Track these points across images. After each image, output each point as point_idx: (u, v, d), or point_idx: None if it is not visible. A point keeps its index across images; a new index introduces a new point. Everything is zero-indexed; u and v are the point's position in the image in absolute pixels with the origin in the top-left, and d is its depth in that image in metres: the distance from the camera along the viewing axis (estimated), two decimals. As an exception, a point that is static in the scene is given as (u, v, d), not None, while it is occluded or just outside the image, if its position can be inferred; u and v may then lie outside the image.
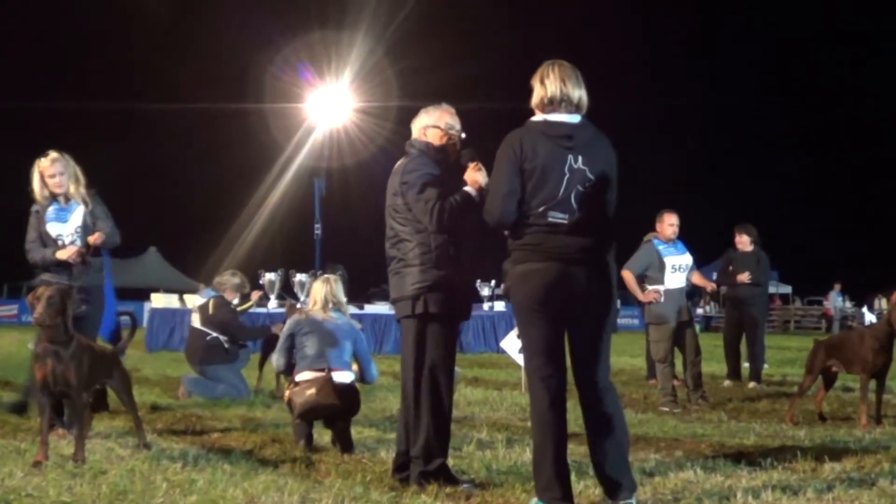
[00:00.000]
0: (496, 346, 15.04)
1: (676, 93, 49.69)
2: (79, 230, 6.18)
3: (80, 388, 5.01)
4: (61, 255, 6.08)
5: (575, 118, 4.01)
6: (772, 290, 33.41)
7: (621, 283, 7.70)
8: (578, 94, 4.02)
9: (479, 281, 16.35)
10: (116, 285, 9.58)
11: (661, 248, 8.14)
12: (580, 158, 3.92)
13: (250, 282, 9.76)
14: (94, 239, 6.14)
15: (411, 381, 4.41)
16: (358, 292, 17.38)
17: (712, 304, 31.55)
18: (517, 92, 4.38)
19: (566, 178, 3.89)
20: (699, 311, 27.87)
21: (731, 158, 53.40)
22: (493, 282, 16.47)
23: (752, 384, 9.64)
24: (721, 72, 54.68)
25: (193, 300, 11.64)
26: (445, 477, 4.34)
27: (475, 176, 4.39)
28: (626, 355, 14.49)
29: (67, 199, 6.20)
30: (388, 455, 5.02)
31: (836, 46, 53.07)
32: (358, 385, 5.79)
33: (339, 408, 5.46)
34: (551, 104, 3.99)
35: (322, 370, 5.55)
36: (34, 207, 6.22)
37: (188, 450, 5.30)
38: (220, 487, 4.30)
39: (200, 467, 4.78)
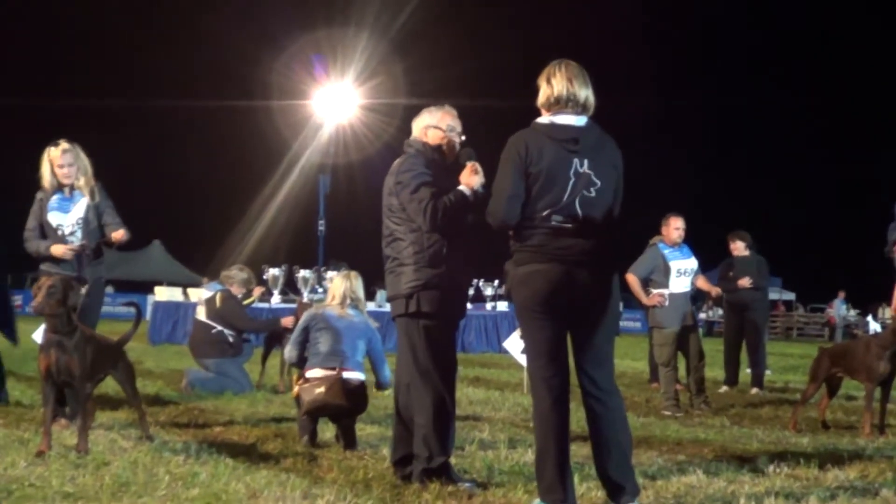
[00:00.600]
0: (498, 346, 15.04)
1: (676, 93, 49.73)
2: (80, 222, 6.14)
3: (83, 378, 5.01)
4: (55, 250, 6.03)
5: (581, 120, 3.98)
6: (775, 296, 33.35)
7: (625, 286, 7.68)
8: (585, 94, 3.98)
9: (482, 280, 16.35)
10: (121, 278, 9.59)
11: (666, 251, 8.11)
12: (586, 162, 3.89)
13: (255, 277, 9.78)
14: (118, 236, 6.13)
15: (405, 380, 4.42)
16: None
17: (715, 308, 31.48)
18: (523, 90, 4.37)
19: (571, 182, 3.86)
20: (702, 315, 27.78)
21: (733, 164, 53.39)
22: (496, 281, 16.46)
23: (754, 390, 9.61)
24: (721, 72, 54.68)
25: (198, 293, 11.67)
26: (448, 475, 4.33)
27: (471, 176, 4.38)
28: (628, 358, 14.50)
29: (73, 189, 6.17)
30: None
31: (843, 47, 53.02)
32: (374, 390, 5.74)
33: (346, 408, 5.46)
34: (557, 104, 3.96)
35: (333, 368, 5.53)
36: (38, 195, 6.19)
37: (191, 443, 5.30)
38: (222, 481, 4.30)
39: (203, 460, 4.78)
